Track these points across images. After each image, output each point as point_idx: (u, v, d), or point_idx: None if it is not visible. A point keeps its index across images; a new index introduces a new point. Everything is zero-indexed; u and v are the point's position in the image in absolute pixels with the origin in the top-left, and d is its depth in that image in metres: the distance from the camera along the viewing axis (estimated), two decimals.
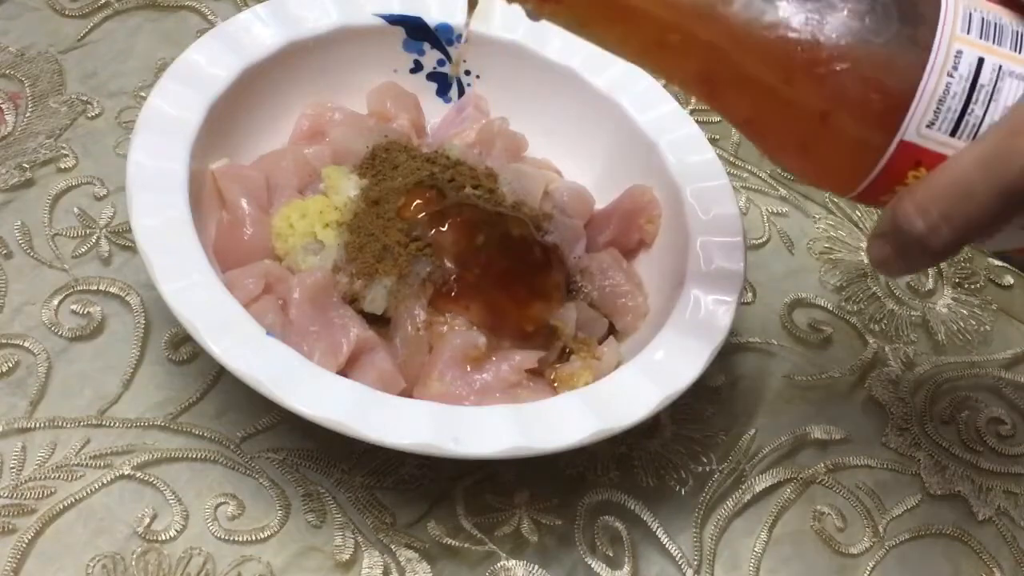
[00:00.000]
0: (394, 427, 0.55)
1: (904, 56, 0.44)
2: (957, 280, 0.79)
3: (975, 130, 0.44)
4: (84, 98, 0.74)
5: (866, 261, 0.79)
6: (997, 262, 0.81)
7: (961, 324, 0.77)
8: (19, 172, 0.69)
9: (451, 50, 0.74)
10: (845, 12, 0.44)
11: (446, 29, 0.73)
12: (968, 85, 0.44)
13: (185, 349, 0.64)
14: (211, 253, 0.61)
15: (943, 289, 0.79)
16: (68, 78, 0.75)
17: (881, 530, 0.67)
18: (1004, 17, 0.46)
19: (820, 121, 0.45)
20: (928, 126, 0.44)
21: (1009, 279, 0.80)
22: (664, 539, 0.63)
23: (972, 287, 0.79)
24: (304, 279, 0.61)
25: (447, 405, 0.58)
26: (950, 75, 0.44)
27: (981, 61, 0.44)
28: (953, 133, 0.44)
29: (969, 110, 0.44)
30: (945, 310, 0.78)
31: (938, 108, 0.44)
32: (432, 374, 0.61)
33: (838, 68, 0.44)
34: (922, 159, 0.45)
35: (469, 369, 0.61)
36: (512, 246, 0.65)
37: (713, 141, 0.72)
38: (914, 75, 0.44)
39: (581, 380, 0.63)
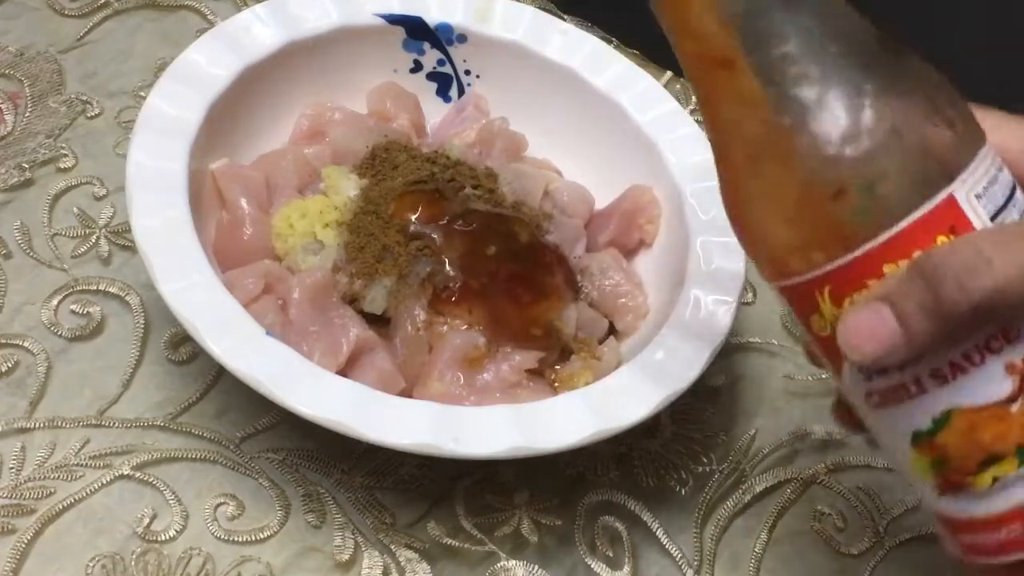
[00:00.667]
0: (394, 427, 0.55)
1: (967, 126, 0.43)
2: None
3: None
4: (84, 98, 0.74)
5: None
6: None
7: None
8: (18, 172, 0.69)
9: (451, 50, 0.74)
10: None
11: (446, 29, 0.73)
12: (1008, 191, 0.43)
13: (185, 349, 0.64)
14: (211, 253, 0.61)
15: None
16: (68, 78, 0.75)
17: (881, 530, 0.66)
18: None
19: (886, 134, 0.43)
20: (977, 197, 0.42)
21: None
22: (664, 539, 0.63)
23: None
24: (304, 279, 0.61)
25: (447, 405, 0.58)
26: (999, 169, 0.43)
27: (1014, 187, 0.44)
28: (993, 219, 0.42)
29: (1007, 209, 0.43)
30: None
31: (987, 186, 0.42)
32: (432, 374, 0.61)
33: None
34: (958, 225, 0.42)
35: (469, 369, 0.61)
36: (517, 251, 0.65)
37: None
38: (977, 141, 0.43)
39: (581, 380, 0.63)
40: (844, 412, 0.49)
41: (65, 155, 0.70)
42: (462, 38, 0.74)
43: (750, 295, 0.75)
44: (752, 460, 0.67)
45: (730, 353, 0.72)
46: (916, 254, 0.42)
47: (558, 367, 0.64)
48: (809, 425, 0.69)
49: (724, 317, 0.63)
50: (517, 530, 0.62)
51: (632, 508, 0.64)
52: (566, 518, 0.63)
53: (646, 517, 0.64)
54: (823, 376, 0.72)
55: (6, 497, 0.57)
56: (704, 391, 0.69)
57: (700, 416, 0.68)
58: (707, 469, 0.66)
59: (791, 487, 0.67)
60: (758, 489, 0.66)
